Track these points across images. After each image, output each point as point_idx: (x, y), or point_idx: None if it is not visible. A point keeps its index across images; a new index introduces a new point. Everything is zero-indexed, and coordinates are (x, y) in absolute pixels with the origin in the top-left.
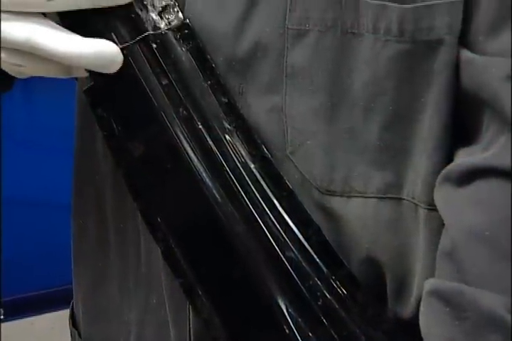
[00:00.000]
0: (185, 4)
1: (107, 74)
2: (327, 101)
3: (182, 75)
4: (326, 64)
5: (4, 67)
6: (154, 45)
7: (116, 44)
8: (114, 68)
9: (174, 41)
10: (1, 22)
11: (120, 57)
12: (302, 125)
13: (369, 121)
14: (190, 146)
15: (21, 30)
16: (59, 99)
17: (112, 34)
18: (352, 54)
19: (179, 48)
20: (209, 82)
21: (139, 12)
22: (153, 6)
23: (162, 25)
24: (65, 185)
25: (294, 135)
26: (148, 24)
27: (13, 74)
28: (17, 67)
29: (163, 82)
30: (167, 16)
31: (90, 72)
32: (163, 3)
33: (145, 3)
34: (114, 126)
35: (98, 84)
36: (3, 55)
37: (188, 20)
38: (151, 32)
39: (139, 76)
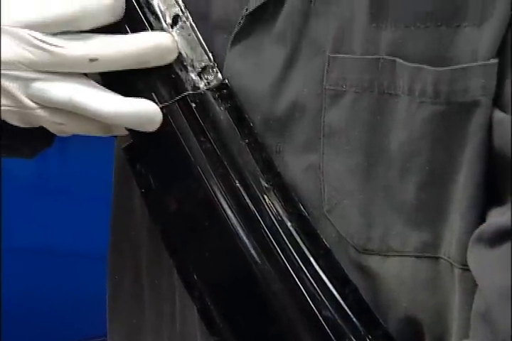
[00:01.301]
0: (224, 64)
1: (147, 133)
2: (363, 160)
3: (220, 134)
4: (362, 124)
5: (46, 126)
6: (193, 105)
7: (156, 103)
8: (153, 127)
9: (213, 101)
10: (45, 82)
11: (160, 117)
12: (339, 184)
13: (405, 180)
14: (227, 203)
15: (64, 90)
16: (92, 150)
17: (152, 93)
18: (388, 114)
19: (218, 107)
20: (247, 141)
21: (179, 72)
22: (192, 66)
23: (201, 85)
24: (97, 235)
25: (330, 193)
26: (187, 84)
27: (54, 132)
28: (58, 126)
29: (202, 141)
30: (206, 76)
31: (130, 130)
32: (203, 64)
33: (185, 63)
34: (152, 181)
35: (137, 142)
36: (45, 114)
37: (226, 80)
38: (191, 92)
39: (178, 134)
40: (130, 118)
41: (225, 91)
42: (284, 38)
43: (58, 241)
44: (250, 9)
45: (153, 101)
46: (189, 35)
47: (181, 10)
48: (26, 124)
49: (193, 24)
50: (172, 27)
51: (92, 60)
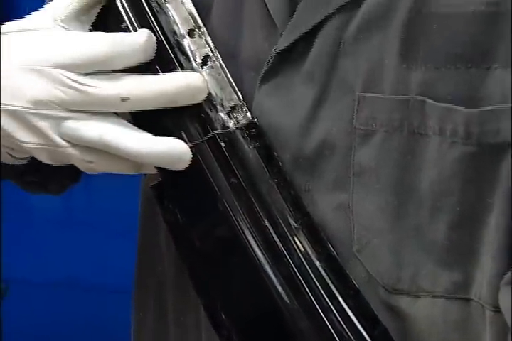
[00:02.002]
0: (253, 103)
1: (176, 171)
2: (394, 199)
3: (249, 172)
4: (392, 163)
5: (76, 163)
6: (223, 144)
7: (186, 142)
8: (182, 166)
9: (242, 139)
10: (76, 121)
11: (189, 156)
12: (369, 223)
13: (436, 220)
14: (255, 241)
15: (95, 129)
16: (117, 183)
17: (182, 132)
18: (418, 154)
19: (247, 146)
20: (275, 180)
21: (209, 111)
22: (222, 105)
23: (231, 124)
24: (122, 269)
25: (360, 233)
26: (217, 123)
27: (83, 170)
28: (88, 164)
29: (231, 179)
30: (236, 116)
31: (159, 168)
32: (232, 104)
33: (214, 103)
34: (179, 218)
35: (166, 180)
36: (76, 152)
37: (255, 120)
38: (220, 131)
39: (207, 173)
40: (160, 158)
41: (254, 130)
42: (313, 77)
43: (83, 275)
44: (279, 49)
45: (183, 140)
46: (219, 74)
47: (211, 50)
48: (56, 162)
49: (223, 64)
50: (202, 67)
51: (123, 100)
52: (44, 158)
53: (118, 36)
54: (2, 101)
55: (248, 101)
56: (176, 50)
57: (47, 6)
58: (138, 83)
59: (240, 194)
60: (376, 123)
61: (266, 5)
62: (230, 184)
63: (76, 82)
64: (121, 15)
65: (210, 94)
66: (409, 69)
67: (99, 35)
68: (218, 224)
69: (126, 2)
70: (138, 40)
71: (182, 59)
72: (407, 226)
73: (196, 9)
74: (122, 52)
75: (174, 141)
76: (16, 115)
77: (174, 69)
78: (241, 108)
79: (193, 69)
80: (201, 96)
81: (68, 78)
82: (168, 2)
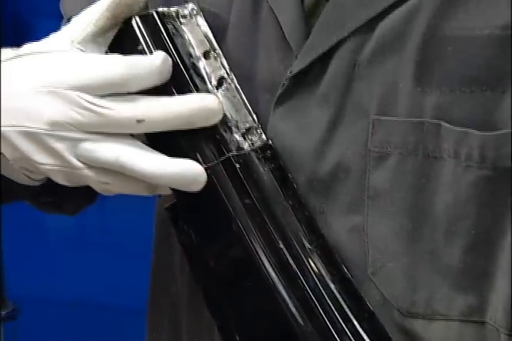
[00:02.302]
0: (268, 125)
1: (190, 193)
2: (408, 222)
3: (264, 194)
4: (407, 186)
5: (91, 185)
6: (238, 165)
7: (201, 164)
8: (197, 188)
9: (257, 161)
10: (92, 142)
11: (204, 177)
12: (384, 246)
13: (451, 243)
14: (269, 263)
15: (111, 151)
16: (131, 202)
17: (197, 154)
18: (433, 177)
19: (261, 168)
20: (290, 202)
21: (224, 133)
22: (237, 127)
23: (245, 146)
24: (135, 289)
25: (375, 256)
26: (232, 145)
27: (99, 191)
28: (104, 185)
29: (245, 201)
30: (250, 137)
31: (174, 189)
32: (247, 125)
33: (229, 125)
34: (194, 239)
35: (181, 201)
36: (92, 173)
37: (270, 141)
38: (235, 153)
39: (222, 194)
40: (175, 179)
41: (268, 152)
42: (327, 100)
43: (96, 294)
44: (294, 71)
45: (198, 161)
46: (234, 96)
47: (226, 72)
48: (72, 183)
49: (238, 86)
50: (217, 89)
51: (139, 121)
52: (60, 180)
53: (134, 58)
54: (19, 123)
55: (263, 124)
56: (192, 72)
57: (64, 29)
58: (153, 105)
59: (254, 215)
60: (391, 146)
61: (281, 28)
62: (245, 205)
63: (92, 103)
64: (138, 38)
65: (225, 115)
66: (423, 93)
67: (116, 58)
68: (232, 245)
69: (142, 24)
70: (154, 63)
71: (197, 81)
72: (422, 250)
73: (212, 32)
74: (138, 75)
75: (189, 163)
76: (32, 136)
77: (190, 91)
78: (256, 130)
79: (208, 91)
80: (216, 118)
81: (84, 100)
82: (184, 24)
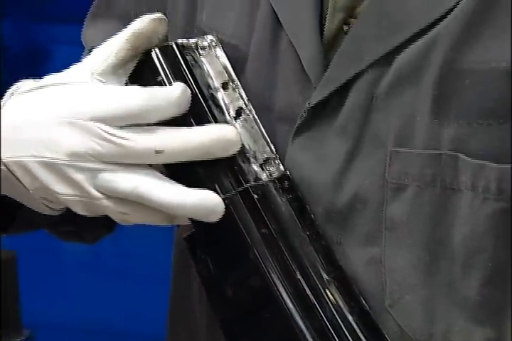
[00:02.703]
0: (285, 155)
1: (208, 223)
2: (426, 254)
3: (281, 225)
4: (424, 218)
5: (110, 215)
6: (255, 196)
7: (219, 194)
8: (215, 218)
9: (275, 192)
10: (111, 173)
11: (222, 208)
12: (401, 278)
13: (468, 276)
14: (287, 294)
15: (129, 181)
16: (145, 228)
17: (215, 184)
18: (451, 209)
19: (279, 199)
20: (308, 233)
21: (242, 164)
22: (255, 158)
23: (263, 176)
24: (151, 315)
25: (392, 288)
26: (250, 175)
27: (117, 221)
28: (122, 215)
29: (263, 231)
30: (268, 168)
31: (192, 219)
32: (265, 156)
33: (247, 155)
34: (211, 269)
35: (198, 231)
36: (110, 204)
37: (288, 172)
38: (253, 183)
39: (240, 224)
40: (193, 210)
41: (286, 182)
42: (345, 131)
43: (112, 321)
44: (313, 103)
45: (216, 191)
46: (252, 127)
47: (245, 103)
48: (91, 213)
49: (256, 117)
50: (235, 119)
51: (157, 152)
52: (79, 210)
53: (153, 90)
54: (39, 154)
55: (281, 154)
56: (210, 102)
57: (84, 60)
58: (172, 136)
59: (272, 246)
60: (408, 177)
61: (300, 60)
62: (263, 236)
63: (112, 134)
64: (157, 69)
65: (243, 146)
66: (441, 125)
67: (135, 89)
68: (250, 276)
69: (161, 56)
70: (173, 94)
71: (216, 112)
72: (440, 282)
73: (230, 63)
74: (158, 106)
75: (207, 193)
76: (52, 167)
77: (208, 121)
78: (274, 160)
79: (226, 121)
80: (234, 149)
81: (104, 131)
82: (203, 56)
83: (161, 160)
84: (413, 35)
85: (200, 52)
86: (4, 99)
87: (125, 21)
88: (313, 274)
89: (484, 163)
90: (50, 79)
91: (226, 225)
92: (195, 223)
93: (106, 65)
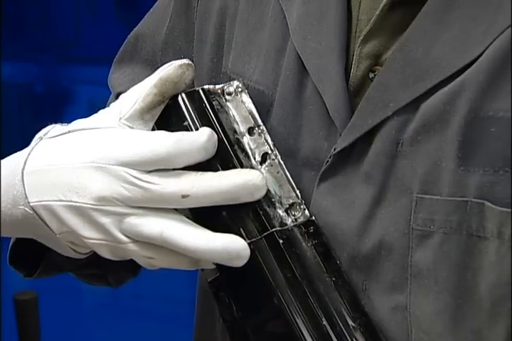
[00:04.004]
0: (311, 201)
1: (233, 267)
2: (452, 302)
3: (307, 270)
4: (450, 265)
5: (135, 259)
6: (281, 241)
7: (244, 239)
8: (240, 262)
9: (300, 237)
10: (137, 217)
11: (247, 252)
12: (427, 326)
13: (495, 324)
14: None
15: (155, 225)
16: (168, 269)
17: (240, 229)
18: (477, 257)
19: (304, 244)
20: (333, 278)
21: (267, 208)
22: (280, 203)
23: (288, 221)
24: None
25: (418, 335)
26: (275, 220)
27: (143, 265)
28: (148, 260)
29: (288, 276)
30: (294, 213)
31: (217, 263)
32: (291, 201)
33: (273, 200)
34: (235, 313)
35: (223, 275)
36: (137, 248)
37: (313, 217)
38: (278, 228)
39: (265, 269)
40: (218, 254)
41: (311, 228)
42: (371, 177)
43: None
44: (338, 149)
45: (241, 236)
46: (277, 172)
47: (270, 148)
48: (117, 257)
49: (281, 161)
50: (261, 164)
51: (183, 197)
52: (105, 253)
53: (180, 135)
54: (67, 198)
55: (306, 199)
56: (236, 147)
57: (112, 106)
58: (198, 181)
59: (297, 291)
60: (434, 224)
61: (325, 106)
62: (288, 281)
63: (139, 179)
64: (184, 114)
65: (268, 191)
66: (467, 172)
67: (162, 135)
68: (275, 321)
69: (188, 101)
70: (199, 140)
71: (241, 156)
72: (466, 330)
73: (256, 108)
74: (184, 151)
75: (232, 238)
76: (79, 211)
77: (234, 166)
78: (299, 205)
79: (252, 166)
80: (260, 194)
81: (131, 175)
82: (229, 101)
83: (187, 204)
84: (439, 82)
85: (227, 97)
86: (33, 143)
87: (151, 66)
88: (338, 320)
89: (510, 211)
90: (78, 124)
91: (251, 269)
92: (220, 267)
93: (133, 110)
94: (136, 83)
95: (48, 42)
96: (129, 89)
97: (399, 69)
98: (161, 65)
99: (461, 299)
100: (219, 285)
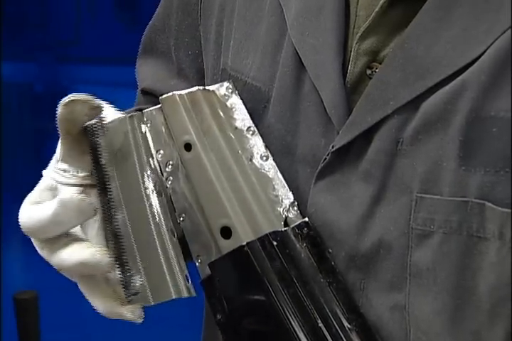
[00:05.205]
0: (308, 199)
1: (227, 269)
2: (451, 302)
3: (301, 272)
4: (449, 265)
5: None
6: (275, 243)
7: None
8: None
9: (294, 239)
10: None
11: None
12: (426, 326)
13: (495, 325)
14: None
15: None
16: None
17: None
18: (477, 257)
19: (298, 246)
20: (328, 279)
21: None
22: (274, 205)
23: (282, 223)
24: None
25: (416, 335)
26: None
27: None
28: None
29: (283, 278)
30: (287, 215)
31: (210, 266)
32: (285, 203)
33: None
34: (228, 314)
35: (217, 277)
36: None
37: (307, 219)
38: (272, 230)
39: (259, 271)
40: None
41: (305, 229)
42: (370, 175)
43: None
44: (336, 146)
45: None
46: (270, 173)
47: (262, 149)
48: None
49: (274, 163)
50: (258, 164)
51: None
52: None
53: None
54: None
55: (303, 197)
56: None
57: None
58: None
59: (291, 293)
60: (434, 224)
61: (323, 102)
62: (282, 283)
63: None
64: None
65: (265, 191)
66: (468, 172)
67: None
68: (270, 323)
69: (88, 135)
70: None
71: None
72: (465, 331)
73: (247, 109)
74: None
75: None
76: None
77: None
78: (293, 207)
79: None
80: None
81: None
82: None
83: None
84: (440, 80)
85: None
86: None
87: (169, 59)
88: (334, 322)
89: (511, 212)
90: None
91: (245, 272)
92: (214, 268)
93: (60, 154)
94: (157, 77)
95: (48, 42)
96: (151, 84)
97: (399, 66)
98: (176, 62)
99: (460, 299)
100: (212, 285)
